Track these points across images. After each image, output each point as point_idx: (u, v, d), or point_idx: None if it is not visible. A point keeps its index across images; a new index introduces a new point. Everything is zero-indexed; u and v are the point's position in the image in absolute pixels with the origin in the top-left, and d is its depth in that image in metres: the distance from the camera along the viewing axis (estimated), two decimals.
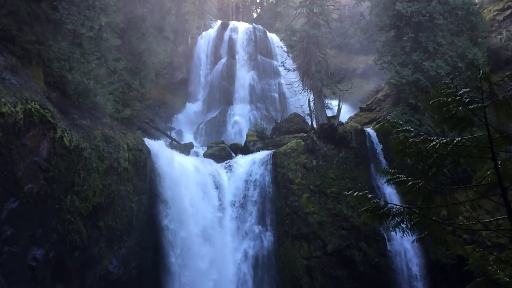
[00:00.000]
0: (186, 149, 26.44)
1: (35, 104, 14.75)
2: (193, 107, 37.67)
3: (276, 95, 37.38)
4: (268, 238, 21.12)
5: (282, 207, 21.68)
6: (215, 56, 40.01)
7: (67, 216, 15.65)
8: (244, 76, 37.67)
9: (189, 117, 36.37)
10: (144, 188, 19.41)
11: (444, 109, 6.63)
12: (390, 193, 21.30)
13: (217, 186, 21.74)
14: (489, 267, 7.24)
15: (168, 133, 29.87)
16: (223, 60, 38.87)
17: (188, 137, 32.30)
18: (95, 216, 16.93)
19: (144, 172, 19.57)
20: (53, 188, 15.12)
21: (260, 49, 40.13)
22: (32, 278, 14.31)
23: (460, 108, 6.53)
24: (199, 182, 21.26)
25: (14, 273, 13.66)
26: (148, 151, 20.14)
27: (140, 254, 18.57)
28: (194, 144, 29.34)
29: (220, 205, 21.34)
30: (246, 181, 22.32)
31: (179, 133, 32.68)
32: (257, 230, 21.22)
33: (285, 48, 29.53)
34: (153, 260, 18.86)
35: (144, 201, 19.21)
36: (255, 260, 20.53)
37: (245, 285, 19.98)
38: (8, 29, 15.91)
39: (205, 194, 21.09)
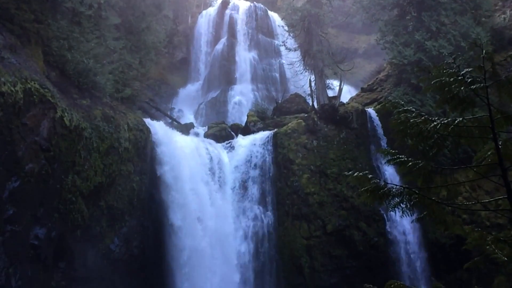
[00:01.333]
0: (186, 129, 26.41)
1: (34, 83, 14.69)
2: (194, 87, 37.48)
3: (277, 75, 37.14)
4: (268, 218, 21.28)
5: (282, 187, 21.76)
6: (216, 35, 39.60)
7: (68, 196, 15.74)
8: (245, 56, 37.35)
9: (189, 97, 36.22)
10: (145, 168, 19.47)
11: (446, 89, 6.58)
12: (390, 174, 21.35)
13: (218, 167, 21.79)
14: (487, 247, 7.30)
15: (169, 113, 29.81)
16: (224, 40, 38.48)
17: (188, 117, 32.23)
18: (96, 196, 17.04)
19: (145, 152, 19.60)
20: (54, 167, 15.17)
21: (261, 28, 39.69)
22: (34, 257, 14.47)
23: (462, 88, 6.48)
24: (199, 163, 21.31)
25: (17, 251, 13.81)
26: (148, 131, 20.13)
27: (142, 233, 18.74)
28: (195, 124, 29.30)
29: (221, 185, 21.43)
30: (247, 162, 22.37)
31: (180, 113, 32.58)
32: (257, 210, 21.36)
33: (286, 27, 29.21)
34: (155, 239, 19.04)
35: (145, 181, 19.30)
36: (255, 240, 20.71)
37: (245, 264, 20.21)
38: (7, 8, 15.74)
39: (206, 174, 21.16)
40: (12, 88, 13.76)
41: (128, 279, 17.77)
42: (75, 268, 15.95)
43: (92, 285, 16.52)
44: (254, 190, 21.74)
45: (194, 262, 18.95)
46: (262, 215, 21.30)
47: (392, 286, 7.58)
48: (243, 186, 21.78)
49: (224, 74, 36.45)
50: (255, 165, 22.29)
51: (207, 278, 18.98)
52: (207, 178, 21.05)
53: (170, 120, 28.00)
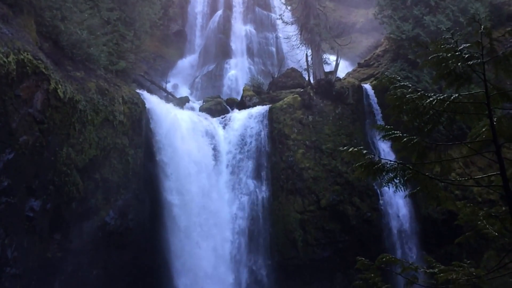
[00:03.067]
0: (181, 103, 26.25)
1: (27, 54, 14.47)
2: (189, 60, 37.07)
3: (274, 49, 36.76)
4: (263, 192, 21.43)
5: (277, 162, 21.85)
6: (211, 8, 38.97)
7: (63, 168, 15.74)
8: (241, 29, 36.88)
9: (185, 70, 35.87)
10: (140, 142, 19.44)
11: (443, 64, 6.53)
12: (385, 150, 21.46)
13: (213, 141, 21.79)
14: (479, 222, 7.40)
15: (164, 86, 29.56)
16: (220, 12, 37.90)
17: (183, 91, 32.00)
18: (91, 169, 17.04)
19: (140, 126, 19.53)
20: (49, 140, 15.11)
21: (257, 1, 39.08)
22: (30, 228, 14.56)
23: (459, 64, 6.44)
24: (194, 137, 21.28)
25: (12, 223, 13.88)
26: (143, 104, 20.01)
27: (137, 207, 18.85)
28: (190, 98, 29.12)
29: (216, 159, 21.47)
30: (242, 136, 22.36)
31: (175, 86, 32.32)
32: (252, 185, 21.49)
33: (283, 0, 28.76)
34: (150, 212, 19.17)
35: (140, 155, 19.29)
36: (249, 214, 20.90)
37: (239, 237, 20.44)
38: None
39: (201, 148, 21.16)
40: (5, 59, 13.56)
41: (123, 251, 17.96)
42: (71, 240, 16.08)
43: (87, 257, 16.69)
44: (249, 165, 21.81)
45: (189, 235, 19.15)
46: (257, 190, 21.43)
47: (384, 259, 7.71)
48: (238, 160, 21.83)
49: (219, 47, 36.04)
50: (250, 139, 22.29)
51: (202, 251, 19.22)
52: (202, 152, 21.06)
53: (165, 94, 27.80)
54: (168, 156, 19.60)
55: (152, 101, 20.85)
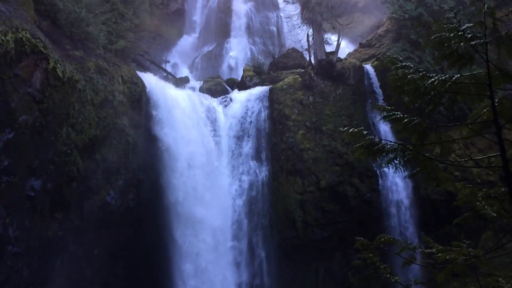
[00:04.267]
0: (181, 83, 26.11)
1: (26, 33, 14.33)
2: (189, 40, 36.71)
3: (274, 29, 36.36)
4: (263, 173, 21.48)
5: (277, 143, 21.84)
6: None
7: (63, 148, 15.74)
8: (242, 8, 36.40)
9: (184, 50, 35.54)
10: (140, 122, 19.41)
11: (446, 44, 6.46)
12: (385, 131, 21.40)
13: (213, 121, 21.74)
14: (478, 203, 7.42)
15: (163, 66, 29.34)
16: None
17: (183, 71, 31.76)
18: (91, 149, 17.05)
19: (140, 106, 19.47)
20: (48, 119, 15.08)
21: None
22: (31, 208, 14.65)
23: (461, 44, 6.37)
24: (194, 117, 21.22)
25: (13, 202, 13.95)
26: (143, 84, 19.90)
27: (137, 186, 18.92)
28: (190, 78, 28.94)
29: (216, 140, 21.45)
30: (242, 117, 22.30)
31: (175, 66, 32.08)
32: (252, 165, 21.52)
33: None
34: (150, 192, 19.24)
35: (140, 135, 19.27)
36: (249, 194, 20.99)
37: (239, 217, 20.57)
38: None
39: (201, 129, 21.13)
40: (3, 38, 13.44)
41: (124, 231, 18.11)
42: (72, 219, 16.19)
43: (88, 236, 16.84)
44: (249, 145, 21.80)
45: (189, 216, 19.26)
46: (257, 170, 21.48)
47: (383, 239, 7.76)
48: (238, 141, 21.81)
49: (220, 26, 35.63)
50: (250, 120, 22.24)
51: (202, 231, 19.36)
52: (202, 133, 21.04)
53: (165, 74, 27.61)
54: (167, 137, 19.58)
55: (152, 81, 20.73)
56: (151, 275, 18.31)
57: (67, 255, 16.08)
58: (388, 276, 7.70)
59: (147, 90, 19.97)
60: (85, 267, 16.64)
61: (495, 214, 7.27)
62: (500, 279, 6.59)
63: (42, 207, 15.10)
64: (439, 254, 7.14)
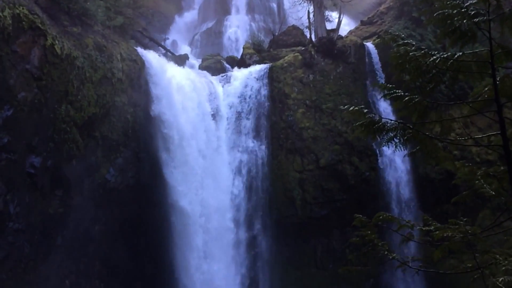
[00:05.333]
0: (181, 60, 25.87)
1: (23, 9, 14.16)
2: (188, 16, 36.27)
3: (275, 6, 35.91)
4: (263, 151, 21.50)
5: (277, 121, 21.80)
6: None
7: (62, 126, 15.72)
8: None
9: (184, 27, 35.16)
10: (139, 100, 19.31)
11: (448, 22, 6.36)
12: (385, 110, 21.35)
13: (213, 100, 21.63)
14: (476, 181, 7.44)
15: (162, 43, 29.04)
16: None
17: (183, 48, 31.48)
18: (90, 126, 17.04)
19: (139, 84, 19.35)
20: (47, 97, 15.02)
21: None
22: (31, 185, 14.72)
23: (464, 21, 6.28)
24: (194, 95, 21.09)
25: (14, 179, 14.02)
26: (142, 61, 19.74)
27: (137, 164, 18.97)
28: (189, 55, 28.69)
29: (215, 118, 21.38)
30: (242, 95, 22.18)
31: (174, 43, 31.76)
32: (251, 144, 21.53)
33: None
34: (150, 170, 19.29)
35: (139, 113, 19.22)
36: (249, 172, 21.06)
37: (239, 195, 20.68)
38: None
39: (200, 107, 21.04)
40: (0, 13, 13.27)
41: (124, 208, 18.22)
42: (72, 196, 16.28)
43: (89, 213, 16.97)
44: (248, 124, 21.76)
45: (188, 194, 19.34)
46: (256, 149, 21.50)
47: (381, 217, 7.81)
48: (238, 119, 21.76)
49: (219, 3, 35.20)
50: (250, 98, 22.14)
51: (200, 209, 19.47)
52: (201, 111, 20.95)
53: (164, 51, 27.36)
54: (167, 115, 19.51)
55: (151, 58, 20.54)
56: (151, 250, 18.52)
57: (68, 232, 16.23)
58: (385, 253, 7.77)
59: (146, 68, 19.81)
60: (86, 244, 16.81)
61: (493, 193, 7.30)
62: (497, 256, 6.66)
63: (42, 184, 15.17)
64: (437, 232, 7.19)
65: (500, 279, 6.36)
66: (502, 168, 7.37)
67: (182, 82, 20.96)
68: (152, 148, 19.39)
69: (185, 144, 19.73)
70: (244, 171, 21.04)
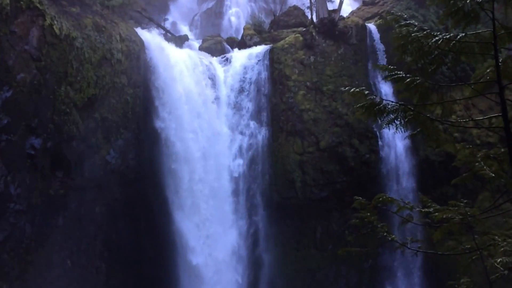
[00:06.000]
0: (180, 41, 25.63)
1: None
2: None
3: None
4: (263, 133, 21.48)
5: (277, 103, 21.73)
6: None
7: (62, 107, 15.68)
8: None
9: (183, 7, 34.72)
10: (139, 81, 19.22)
11: (451, 2, 6.29)
12: (386, 92, 21.25)
13: (213, 81, 21.51)
14: (477, 164, 7.45)
15: (162, 24, 28.73)
16: None
17: (182, 29, 31.13)
18: (90, 108, 16.99)
19: (138, 65, 19.22)
20: (46, 78, 14.94)
21: None
22: (31, 166, 14.75)
23: (467, 1, 6.20)
24: (194, 77, 20.97)
25: (14, 160, 14.04)
26: (141, 42, 19.58)
27: (137, 146, 18.97)
28: (189, 36, 28.41)
29: (215, 100, 21.30)
30: (242, 77, 22.06)
31: (173, 24, 31.40)
32: (252, 126, 21.49)
33: None
34: (150, 151, 19.31)
35: (139, 94, 19.14)
36: (249, 155, 21.08)
37: (239, 177, 20.74)
38: None
39: (200, 89, 20.93)
40: None
41: (125, 189, 18.30)
42: (73, 178, 16.33)
43: (89, 194, 17.05)
44: (249, 106, 21.69)
45: (188, 174, 19.39)
46: (257, 131, 21.48)
47: (381, 199, 7.84)
48: (238, 101, 21.68)
49: None
50: (250, 80, 22.01)
51: (200, 190, 19.55)
52: (201, 93, 20.86)
53: (163, 32, 27.08)
54: (166, 95, 19.43)
55: (151, 39, 20.36)
56: (152, 231, 18.66)
57: (69, 213, 16.33)
58: (384, 234, 7.83)
59: (146, 49, 19.64)
60: (87, 225, 16.93)
61: (493, 175, 7.31)
62: (496, 237, 6.70)
63: (43, 166, 15.20)
64: (436, 214, 7.22)
65: (499, 260, 6.42)
66: (502, 150, 7.36)
67: (182, 63, 20.80)
68: (152, 129, 19.35)
69: (185, 126, 19.69)
70: (244, 153, 21.06)
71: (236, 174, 20.74)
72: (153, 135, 19.34)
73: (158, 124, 19.37)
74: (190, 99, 20.21)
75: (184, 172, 19.34)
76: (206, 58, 22.67)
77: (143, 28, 22.05)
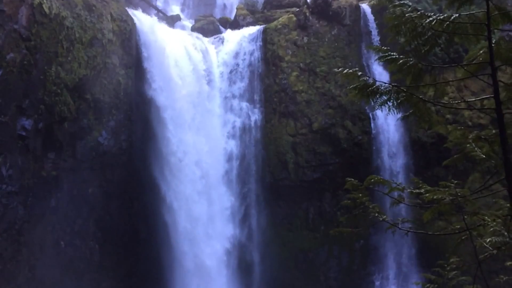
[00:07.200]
0: (172, 21, 25.38)
1: None
2: None
3: None
4: (256, 114, 21.45)
5: (270, 84, 21.65)
6: None
7: (53, 88, 15.51)
8: None
9: None
10: (131, 62, 19.02)
11: None
12: (380, 74, 21.21)
13: (205, 62, 21.35)
14: (468, 145, 7.49)
15: (154, 3, 28.34)
16: None
17: (174, 9, 30.78)
18: (81, 89, 16.82)
19: (130, 45, 19.00)
20: (36, 58, 14.74)
21: None
22: (23, 147, 14.65)
23: None
24: (186, 57, 20.79)
25: (5, 142, 13.93)
26: (133, 22, 19.31)
27: (129, 127, 18.87)
28: (181, 16, 28.08)
29: (208, 81, 21.19)
30: (235, 58, 21.92)
31: (165, 4, 31.01)
32: (245, 107, 21.45)
33: None
34: (142, 133, 19.22)
35: (131, 75, 18.96)
36: (242, 136, 21.08)
37: (231, 158, 20.78)
38: None
39: (193, 69, 20.77)
40: None
41: (118, 170, 18.28)
42: (65, 159, 16.27)
43: (82, 175, 17.01)
44: (241, 87, 21.61)
45: (181, 155, 19.37)
46: (250, 112, 21.44)
47: (372, 180, 7.87)
48: (231, 82, 21.57)
49: None
50: (243, 61, 21.88)
51: (194, 171, 19.57)
52: (194, 73, 20.70)
53: (155, 11, 26.74)
54: (158, 76, 19.26)
55: (142, 19, 20.09)
56: (144, 212, 18.71)
57: (62, 194, 16.31)
58: (376, 215, 7.88)
59: (137, 29, 19.40)
60: (80, 206, 16.93)
61: (484, 156, 7.36)
62: (486, 217, 6.79)
63: (35, 147, 15.10)
64: (427, 194, 7.27)
65: (488, 240, 6.51)
66: (493, 131, 7.40)
67: (174, 43, 20.59)
68: (144, 110, 19.24)
69: (177, 107, 19.57)
70: (237, 134, 21.07)
71: (228, 155, 20.76)
72: (144, 115, 19.21)
73: (150, 104, 19.21)
74: (182, 80, 20.05)
75: (175, 156, 19.19)
76: (199, 38, 22.46)
77: (134, 7, 21.74)
